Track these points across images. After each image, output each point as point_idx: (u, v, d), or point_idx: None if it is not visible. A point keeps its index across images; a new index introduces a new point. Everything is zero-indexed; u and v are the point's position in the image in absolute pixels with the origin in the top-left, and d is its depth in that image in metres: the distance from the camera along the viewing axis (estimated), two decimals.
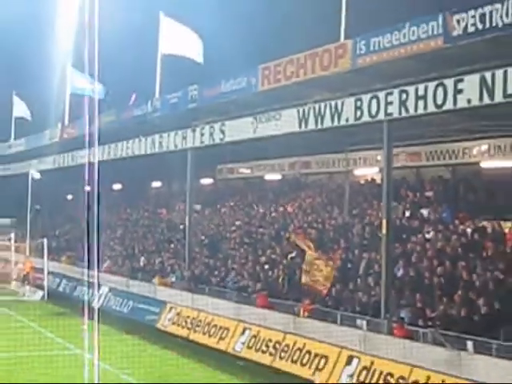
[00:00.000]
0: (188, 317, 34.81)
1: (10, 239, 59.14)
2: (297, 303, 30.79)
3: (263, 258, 37.62)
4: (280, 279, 34.24)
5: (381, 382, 23.51)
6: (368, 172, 41.32)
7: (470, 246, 28.35)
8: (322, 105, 30.08)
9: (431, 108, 25.36)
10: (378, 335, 25.96)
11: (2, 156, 77.01)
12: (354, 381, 24.39)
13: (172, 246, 47.17)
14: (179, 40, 43.25)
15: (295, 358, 27.40)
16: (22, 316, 40.09)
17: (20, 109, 72.65)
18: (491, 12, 22.98)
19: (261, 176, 51.50)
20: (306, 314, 29.72)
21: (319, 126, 30.44)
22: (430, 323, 25.11)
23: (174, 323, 35.54)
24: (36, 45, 59.79)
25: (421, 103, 25.65)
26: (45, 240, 52.81)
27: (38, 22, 57.78)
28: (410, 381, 22.62)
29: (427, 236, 31.17)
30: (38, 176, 61.12)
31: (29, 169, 63.71)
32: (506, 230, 28.76)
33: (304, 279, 30.49)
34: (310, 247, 31.07)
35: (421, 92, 25.62)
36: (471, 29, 23.76)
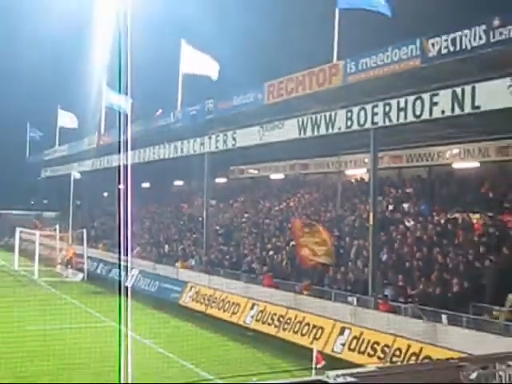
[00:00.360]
0: (205, 294, 34.82)
1: (55, 229, 59.27)
2: (297, 283, 30.83)
3: (269, 245, 37.64)
4: (283, 263, 34.29)
5: (369, 349, 23.58)
6: (357, 172, 41.29)
7: (443, 235, 28.37)
8: (318, 116, 30.11)
9: (411, 118, 25.43)
10: (366, 310, 26.01)
11: (49, 160, 77.25)
12: (346, 348, 24.45)
13: (192, 234, 47.18)
14: (197, 61, 43.29)
15: (296, 329, 27.43)
16: (66, 294, 40.12)
17: (64, 119, 72.73)
18: (461, 36, 23.02)
19: (266, 176, 51.52)
20: (306, 292, 29.72)
21: (316, 134, 30.47)
22: (409, 299, 25.16)
23: (193, 300, 35.55)
24: (78, 66, 59.93)
25: (402, 114, 25.71)
26: (84, 230, 52.92)
27: (80, 47, 57.84)
28: (393, 348, 22.66)
29: (408, 225, 31.19)
30: (78, 176, 61.22)
31: (71, 170, 63.83)
32: (474, 221, 28.74)
33: (304, 252, 30.47)
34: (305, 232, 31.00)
35: (402, 104, 25.67)
36: (444, 51, 23.82)
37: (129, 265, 42.18)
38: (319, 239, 30.02)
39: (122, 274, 41.93)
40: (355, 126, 28.11)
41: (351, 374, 6.04)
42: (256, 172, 53.03)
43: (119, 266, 44.03)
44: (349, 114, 28.33)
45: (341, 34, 29.91)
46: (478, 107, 22.71)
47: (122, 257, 41.98)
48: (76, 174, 61.46)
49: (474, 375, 7.38)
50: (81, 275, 48.67)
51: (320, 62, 30.68)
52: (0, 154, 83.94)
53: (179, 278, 39.16)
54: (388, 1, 26.18)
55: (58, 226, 59.85)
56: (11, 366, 21.21)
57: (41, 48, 70.95)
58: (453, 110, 23.56)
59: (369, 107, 27.31)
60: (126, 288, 39.29)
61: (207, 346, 26.67)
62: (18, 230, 58.86)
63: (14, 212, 79.01)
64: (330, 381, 5.86)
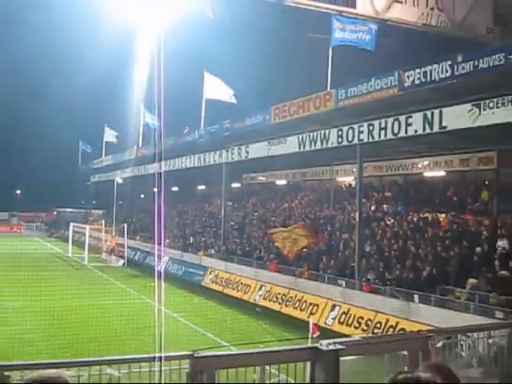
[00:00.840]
0: (222, 277, 34.87)
1: (101, 224, 59.56)
2: (297, 268, 30.82)
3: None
4: (285, 252, 34.28)
5: (355, 323, 23.62)
6: (346, 179, 41.22)
7: (416, 230, 28.32)
8: (315, 133, 30.14)
9: (389, 135, 25.45)
10: (352, 290, 26.02)
11: (96, 168, 77.56)
12: (337, 322, 24.47)
13: (212, 229, 47.19)
14: (217, 89, 43.41)
15: (296, 305, 27.48)
16: (109, 276, 40.26)
17: (109, 136, 73.04)
18: (431, 70, 23.05)
19: (272, 182, 51.46)
20: (305, 275, 29.73)
21: (313, 148, 30.50)
22: (388, 282, 25.12)
23: (213, 282, 35.61)
24: (121, 91, 59.97)
25: (382, 132, 25.72)
26: (125, 225, 53.10)
27: (123, 76, 57.92)
28: (374, 322, 22.72)
29: (387, 223, 31.18)
30: (120, 181, 61.45)
31: (114, 177, 64.02)
32: (441, 219, 28.67)
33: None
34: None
35: (382, 125, 25.70)
36: (417, 81, 23.83)
37: (161, 253, 42.42)
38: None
39: (156, 260, 42.10)
40: (345, 142, 28.14)
41: (340, 343, 6.07)
42: (264, 179, 53.01)
43: (153, 254, 44.22)
44: (340, 132, 28.36)
45: (334, 68, 29.97)
46: (445, 127, 22.72)
47: (156, 246, 42.14)
48: (118, 180, 61.69)
49: (439, 344, 7.41)
50: (122, 261, 48.81)
51: (316, 90, 30.74)
52: (58, 163, 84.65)
53: (201, 264, 39.23)
54: (372, 38, 26.15)
55: (103, 222, 60.21)
56: (67, 332, 21.34)
57: (91, 76, 71.17)
58: (424, 129, 23.59)
59: (356, 127, 27.34)
60: (159, 272, 39.62)
61: (224, 319, 26.75)
62: (71, 224, 59.16)
63: (69, 210, 79.41)
64: (323, 348, 5.89)
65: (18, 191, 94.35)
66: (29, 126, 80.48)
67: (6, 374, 5.55)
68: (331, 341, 6.05)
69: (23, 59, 70.06)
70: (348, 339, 7.09)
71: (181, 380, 6.01)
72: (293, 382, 6.87)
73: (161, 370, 6.53)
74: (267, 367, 6.66)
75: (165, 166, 52.43)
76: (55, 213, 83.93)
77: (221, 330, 23.59)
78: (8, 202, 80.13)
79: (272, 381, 7.04)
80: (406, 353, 6.64)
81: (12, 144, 66.51)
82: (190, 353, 5.68)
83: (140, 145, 61.03)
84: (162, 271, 40.61)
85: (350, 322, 23.90)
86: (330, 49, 29.45)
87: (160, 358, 6.25)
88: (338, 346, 5.93)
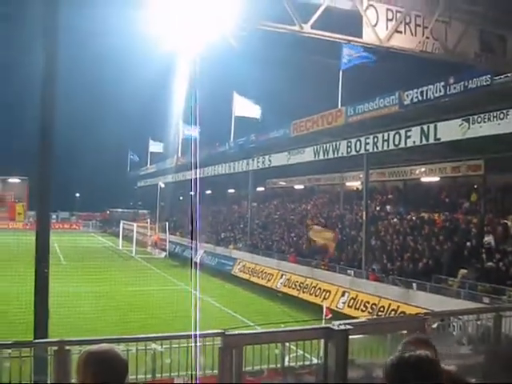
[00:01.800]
0: (249, 267, 34.89)
1: (147, 222, 59.89)
2: (313, 260, 30.74)
3: (293, 233, 37.61)
4: (303, 246, 34.23)
5: (362, 307, 23.50)
6: (354, 184, 41.03)
7: (414, 227, 28.13)
8: (328, 145, 30.09)
9: (391, 146, 25.33)
10: (360, 279, 25.91)
11: (142, 174, 78.20)
12: (346, 306, 24.37)
13: (240, 226, 47.25)
14: (244, 107, 43.59)
15: (311, 292, 27.40)
16: (153, 266, 40.48)
17: (153, 146, 73.57)
18: (427, 90, 22.97)
19: (291, 186, 51.34)
20: (321, 267, 29.64)
21: (325, 157, 30.46)
22: (390, 272, 24.98)
23: (241, 271, 35.63)
24: (162, 106, 60.19)
25: (385, 143, 25.61)
26: (167, 222, 53.36)
27: (164, 93, 58.09)
28: (378, 306, 22.57)
29: (390, 221, 31.01)
30: (163, 186, 61.79)
31: (158, 182, 64.41)
32: (436, 218, 28.46)
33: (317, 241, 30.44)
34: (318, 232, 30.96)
35: (385, 137, 25.59)
36: (415, 100, 23.76)
37: (197, 246, 42.57)
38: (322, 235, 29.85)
39: (193, 253, 42.24)
40: (353, 152, 28.05)
41: (349, 323, 6.07)
42: (284, 183, 52.85)
43: (191, 247, 44.37)
44: (349, 144, 28.26)
45: (343, 87, 29.97)
46: (439, 139, 22.59)
47: (193, 241, 42.27)
48: (161, 184, 62.03)
49: (434, 325, 7.37)
50: (164, 253, 49.06)
51: (329, 107, 30.74)
52: (110, 170, 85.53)
53: (231, 256, 39.28)
54: (370, 56, 26.04)
55: (148, 220, 60.53)
56: (116, 315, 21.49)
57: (139, 93, 71.55)
58: (421, 140, 23.46)
59: (363, 139, 27.24)
60: (195, 263, 39.73)
61: (250, 303, 26.80)
62: (121, 222, 59.61)
63: (119, 210, 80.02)
64: (335, 328, 5.89)
65: (78, 194, 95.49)
66: (85, 138, 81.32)
67: (66, 348, 5.63)
68: (342, 322, 6.06)
69: (84, 78, 70.87)
70: (356, 320, 7.09)
71: (213, 354, 6.04)
72: (309, 356, 6.87)
73: (196, 346, 6.58)
74: (287, 344, 6.67)
75: (200, 172, 52.62)
76: (108, 212, 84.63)
77: (247, 312, 23.59)
78: (69, 203, 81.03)
79: (291, 355, 7.05)
80: (405, 332, 6.62)
81: (72, 154, 67.09)
82: (221, 331, 5.72)
83: (179, 154, 61.36)
84: (198, 262, 40.74)
85: (357, 306, 23.77)
86: (341, 72, 29.45)
87: (196, 335, 6.30)
88: (348, 327, 5.94)
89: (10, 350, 6.26)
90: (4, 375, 6.44)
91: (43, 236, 8.38)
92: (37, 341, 7.28)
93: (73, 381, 5.63)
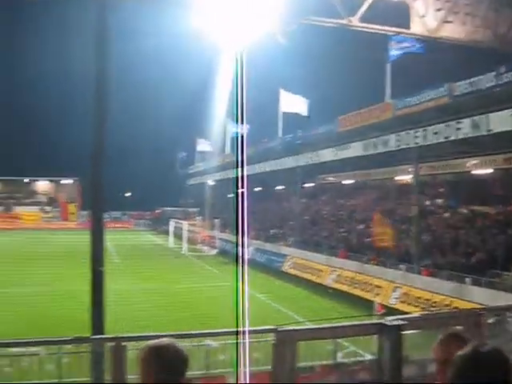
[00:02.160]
0: (299, 264, 34.88)
1: (197, 219, 60.59)
2: (363, 255, 30.47)
3: (342, 229, 37.39)
4: (353, 241, 33.97)
5: (414, 302, 23.22)
6: (404, 178, 40.46)
7: (467, 221, 27.65)
8: (376, 139, 29.81)
9: (441, 139, 24.88)
10: (411, 274, 25.53)
11: (191, 173, 79.27)
12: (398, 301, 24.11)
13: (289, 222, 47.24)
14: (291, 103, 43.58)
15: (362, 287, 27.21)
16: (204, 263, 40.92)
17: (201, 145, 74.23)
18: (477, 80, 22.54)
19: (340, 181, 51.03)
20: (373, 262, 29.33)
21: (374, 152, 30.19)
22: (442, 267, 24.60)
23: (291, 267, 35.65)
24: (209, 104, 60.62)
25: (435, 136, 25.17)
26: (216, 220, 53.87)
27: (210, 92, 58.52)
28: (431, 301, 22.28)
29: (441, 215, 30.53)
30: (212, 184, 62.40)
31: (206, 180, 65.06)
32: (488, 211, 27.90)
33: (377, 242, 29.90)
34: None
35: (435, 130, 25.14)
36: (465, 91, 23.32)
37: (247, 243, 42.78)
38: (385, 232, 29.32)
39: (242, 249, 42.23)
40: (402, 146, 27.69)
41: (402, 319, 6.02)
42: (333, 179, 52.59)
43: (240, 244, 44.45)
44: (398, 138, 27.91)
45: (393, 79, 29.68)
46: (491, 130, 22.07)
47: (242, 238, 42.27)
48: (210, 182, 62.60)
49: (490, 320, 7.25)
50: (214, 251, 49.49)
51: (377, 101, 30.49)
52: (160, 170, 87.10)
53: (281, 252, 39.33)
54: (418, 47, 25.64)
55: (198, 218, 61.19)
56: (168, 312, 21.82)
57: (184, 90, 72.33)
58: (472, 133, 22.99)
59: (412, 132, 26.85)
60: (245, 259, 39.74)
61: (300, 299, 26.81)
62: (171, 220, 60.41)
63: (169, 208, 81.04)
64: (388, 323, 5.85)
65: (129, 194, 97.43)
66: (135, 138, 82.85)
67: (123, 344, 5.76)
68: (394, 317, 6.02)
69: (131, 77, 72.18)
70: (409, 316, 7.01)
71: (266, 350, 6.08)
72: (361, 352, 6.84)
73: (249, 342, 6.63)
74: (338, 340, 6.66)
75: (248, 170, 52.78)
76: (158, 211, 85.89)
77: (298, 308, 23.61)
78: (120, 203, 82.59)
79: (343, 351, 7.04)
80: (460, 328, 6.52)
81: (122, 155, 68.41)
82: (273, 327, 5.76)
83: (227, 152, 61.85)
84: (248, 259, 40.97)
85: (409, 302, 23.50)
86: (388, 65, 29.11)
87: (248, 331, 6.35)
88: (401, 322, 5.88)
89: (69, 346, 6.47)
90: (64, 370, 6.64)
91: (98, 235, 8.60)
92: (95, 337, 7.47)
93: (129, 376, 5.76)
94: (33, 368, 6.69)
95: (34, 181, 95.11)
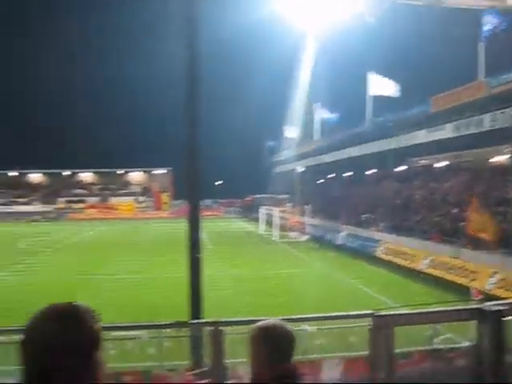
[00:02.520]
0: (392, 249, 34.38)
1: (286, 206, 60.92)
2: (457, 240, 29.58)
3: (436, 213, 36.45)
4: (447, 225, 33.06)
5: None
6: (500, 159, 38.85)
7: None
8: (469, 119, 28.85)
9: None
10: (510, 258, 24.59)
11: (280, 160, 79.81)
12: (496, 287, 23.29)
13: (381, 207, 46.55)
14: (380, 85, 42.86)
15: (458, 272, 26.47)
16: (293, 249, 41.03)
17: (290, 132, 74.23)
18: None
19: (432, 164, 49.72)
20: (468, 247, 28.45)
21: (467, 132, 29.25)
22: None
23: (384, 253, 35.19)
24: (296, 91, 60.52)
25: None
26: (306, 206, 53.90)
27: (293, 80, 58.41)
28: None
29: None
30: (301, 170, 62.45)
31: (295, 166, 65.15)
32: None
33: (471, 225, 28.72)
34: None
35: None
36: None
37: (339, 229, 42.62)
38: (484, 222, 28.14)
39: (334, 235, 42.29)
40: (499, 125, 26.63)
41: (502, 304, 5.88)
42: (425, 162, 51.32)
43: (332, 230, 44.40)
44: (492, 117, 26.86)
45: (486, 56, 28.62)
46: None
47: (333, 224, 42.18)
48: (299, 169, 62.67)
49: None
50: (305, 237, 49.53)
51: (469, 81, 29.49)
52: (249, 158, 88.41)
53: (373, 237, 38.89)
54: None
55: (288, 204, 61.50)
56: (251, 299, 22.09)
57: (270, 77, 72.79)
58: None
59: (508, 111, 25.75)
60: (337, 245, 39.88)
61: (393, 284, 26.48)
62: (261, 207, 61.02)
63: (259, 196, 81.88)
64: (487, 308, 5.73)
65: (220, 182, 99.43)
66: (225, 127, 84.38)
67: (220, 328, 5.96)
68: (494, 302, 5.89)
69: (220, 67, 73.56)
70: (507, 301, 6.83)
71: (362, 335, 6.11)
72: (457, 339, 6.73)
73: (344, 327, 6.69)
74: (437, 326, 6.59)
75: (338, 155, 52.47)
76: (249, 198, 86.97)
77: (390, 293, 23.32)
78: (211, 191, 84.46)
79: (441, 337, 6.94)
80: None
81: (213, 144, 69.72)
82: (370, 312, 5.77)
83: (315, 138, 61.65)
84: (340, 244, 40.85)
85: (508, 287, 22.65)
86: (481, 43, 28.05)
87: (343, 315, 6.41)
88: (500, 307, 5.74)
89: (169, 330, 6.77)
90: (165, 353, 6.94)
91: (194, 223, 8.89)
92: (194, 321, 7.75)
93: (227, 361, 5.96)
94: (135, 351, 7.04)
95: (128, 172, 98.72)
